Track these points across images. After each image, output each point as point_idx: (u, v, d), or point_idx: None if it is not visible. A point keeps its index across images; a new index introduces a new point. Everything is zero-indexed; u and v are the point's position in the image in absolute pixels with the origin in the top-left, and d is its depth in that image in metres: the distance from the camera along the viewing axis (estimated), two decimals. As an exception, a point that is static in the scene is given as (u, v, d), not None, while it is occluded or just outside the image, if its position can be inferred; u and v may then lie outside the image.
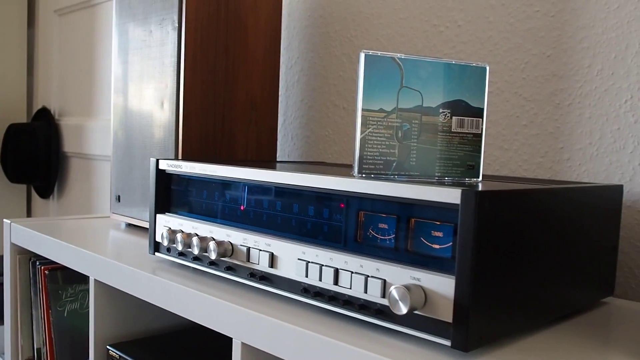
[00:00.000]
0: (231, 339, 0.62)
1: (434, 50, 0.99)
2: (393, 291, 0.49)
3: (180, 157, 0.95)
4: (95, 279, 0.84)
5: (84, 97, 1.97)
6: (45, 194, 2.11)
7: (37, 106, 2.22)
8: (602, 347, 0.53)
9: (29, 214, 2.31)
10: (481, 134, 0.62)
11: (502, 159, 0.90)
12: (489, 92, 0.92)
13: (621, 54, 0.79)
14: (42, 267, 1.02)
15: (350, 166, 0.89)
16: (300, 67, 1.23)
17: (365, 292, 0.53)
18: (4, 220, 1.10)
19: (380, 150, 0.58)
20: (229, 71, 1.01)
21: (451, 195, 0.48)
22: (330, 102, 1.17)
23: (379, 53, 0.58)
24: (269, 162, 0.95)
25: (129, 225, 1.10)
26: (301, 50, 1.23)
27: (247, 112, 1.04)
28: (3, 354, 1.44)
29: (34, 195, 2.23)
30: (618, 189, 0.70)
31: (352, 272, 0.55)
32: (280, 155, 1.26)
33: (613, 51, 0.80)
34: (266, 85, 1.07)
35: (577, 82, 0.83)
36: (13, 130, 2.03)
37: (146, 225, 1.01)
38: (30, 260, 1.07)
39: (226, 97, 1.01)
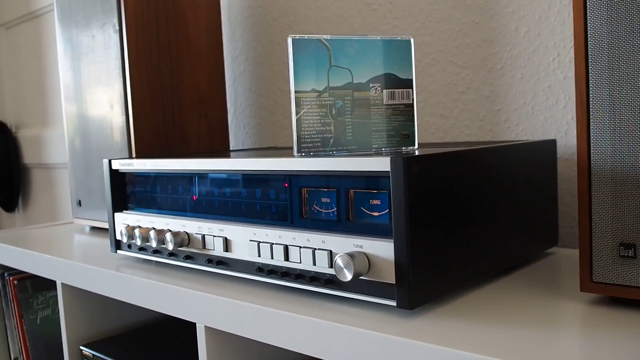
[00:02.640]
0: (195, 324, 0.65)
1: (370, 28, 1.02)
2: (338, 260, 0.52)
3: (134, 156, 0.97)
4: (62, 283, 0.86)
5: (38, 107, 1.96)
6: (9, 207, 2.10)
7: (-9, 121, 2.20)
8: (546, 295, 0.57)
9: (-5, 229, 2.30)
10: (412, 103, 0.65)
11: (445, 126, 0.94)
12: (426, 63, 0.95)
13: (545, 14, 0.83)
14: (11, 278, 1.03)
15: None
16: (245, 56, 1.25)
17: (314, 264, 0.56)
18: (-33, 236, 1.10)
19: (316, 128, 0.61)
20: (174, 67, 1.03)
21: (382, 164, 0.51)
22: (277, 88, 1.19)
23: (306, 36, 0.61)
24: (220, 152, 0.97)
25: (93, 228, 1.12)
26: (244, 40, 1.25)
27: (196, 106, 1.06)
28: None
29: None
30: (551, 143, 0.74)
31: (300, 247, 0.58)
32: (234, 144, 1.28)
33: (537, 12, 0.84)
34: (212, 78, 1.09)
35: (506, 45, 0.87)
36: (-31, 147, 2.02)
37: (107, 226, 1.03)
38: (-3, 273, 1.08)
39: (173, 93, 1.02)
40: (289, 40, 0.60)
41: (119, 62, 0.98)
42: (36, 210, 2.03)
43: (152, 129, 0.99)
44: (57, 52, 1.81)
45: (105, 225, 1.04)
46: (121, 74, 0.97)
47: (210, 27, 1.08)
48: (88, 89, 1.04)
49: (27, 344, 1.03)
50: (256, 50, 1.23)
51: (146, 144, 0.98)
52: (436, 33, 0.93)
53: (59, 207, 1.91)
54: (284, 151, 0.78)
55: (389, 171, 0.50)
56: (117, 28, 0.97)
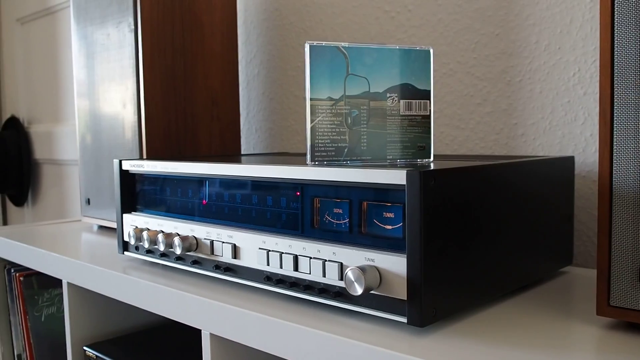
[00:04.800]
0: (201, 331, 0.64)
1: (387, 36, 1.01)
2: (348, 273, 0.51)
3: (144, 156, 0.96)
4: (67, 282, 0.85)
5: (51, 103, 1.96)
6: (19, 202, 2.10)
7: (5, 115, 2.21)
8: (560, 316, 0.56)
9: (4, 222, 2.30)
10: (429, 115, 0.64)
11: (460, 138, 0.93)
12: (442, 73, 0.94)
13: (566, 28, 0.82)
14: (17, 274, 1.03)
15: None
16: (259, 60, 1.24)
17: (324, 276, 0.55)
18: (-25, 231, 1.10)
19: (331, 137, 0.60)
20: (188, 69, 1.02)
21: (397, 177, 0.50)
22: (290, 93, 1.18)
23: (324, 43, 0.60)
24: (231, 156, 0.96)
25: (101, 227, 1.11)
26: (259, 44, 1.24)
27: (209, 108, 1.05)
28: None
29: (9, 203, 2.22)
30: (569, 160, 0.72)
31: (310, 258, 0.56)
32: (245, 149, 1.27)
33: (558, 26, 0.82)
34: (226, 81, 1.08)
35: (526, 58, 0.85)
36: (-19, 140, 2.02)
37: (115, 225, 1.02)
38: (5, 267, 1.07)
39: (186, 95, 1.02)
40: (307, 47, 0.59)
41: (133, 61, 0.97)
42: (45, 206, 2.03)
43: (164, 129, 0.98)
44: (71, 49, 1.81)
45: (113, 225, 1.03)
46: (135, 74, 0.97)
47: (225, 29, 1.08)
48: (101, 86, 1.04)
49: (31, 341, 1.02)
50: (271, 54, 1.22)
51: (157, 144, 0.98)
52: (454, 43, 0.92)
53: (67, 204, 1.91)
54: (297, 158, 0.77)
55: (404, 184, 0.49)
56: (132, 27, 0.96)
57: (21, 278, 1.02)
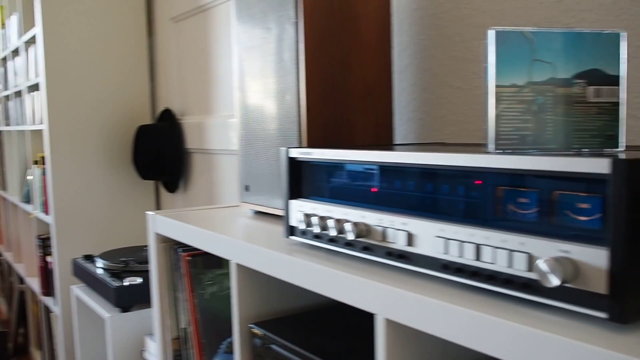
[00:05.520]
0: (373, 315, 0.65)
1: (553, 22, 0.97)
2: (541, 264, 0.49)
3: (305, 145, 0.99)
4: (236, 263, 0.90)
5: (202, 96, 2.07)
6: (172, 188, 2.24)
7: (160, 108, 2.36)
8: None
9: (157, 207, 2.46)
10: (620, 102, 0.60)
11: (637, 128, 0.87)
12: (617, 59, 0.89)
13: None
14: (184, 254, 1.09)
15: (473, 145, 0.89)
16: (411, 50, 1.24)
17: (510, 266, 0.54)
18: (147, 212, 1.18)
19: (515, 125, 0.58)
20: (344, 60, 1.04)
21: (599, 166, 0.48)
22: (443, 82, 1.17)
23: (508, 29, 0.58)
24: (391, 145, 0.96)
25: (257, 212, 1.16)
26: (411, 33, 1.23)
27: (364, 99, 1.06)
28: (152, 334, 1.55)
29: (162, 190, 2.38)
30: None
31: (494, 247, 0.56)
32: (396, 139, 1.28)
33: None
34: (380, 71, 1.08)
35: None
36: (141, 131, 2.17)
37: (274, 211, 1.06)
38: (172, 248, 1.15)
39: (343, 86, 1.03)
40: (491, 33, 0.58)
41: (293, 53, 1.00)
42: (195, 192, 2.15)
43: (322, 120, 1.01)
44: (223, 45, 1.90)
45: (270, 210, 1.07)
46: (295, 66, 1.00)
47: (380, 20, 1.08)
48: (261, 79, 1.08)
49: (197, 316, 1.09)
50: (423, 44, 1.21)
51: (316, 135, 1.00)
52: (632, 27, 0.87)
53: (216, 191, 2.01)
54: (466, 147, 0.76)
55: (607, 174, 0.47)
56: (293, 20, 0.99)
57: (188, 258, 1.09)
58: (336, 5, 1.02)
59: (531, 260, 0.53)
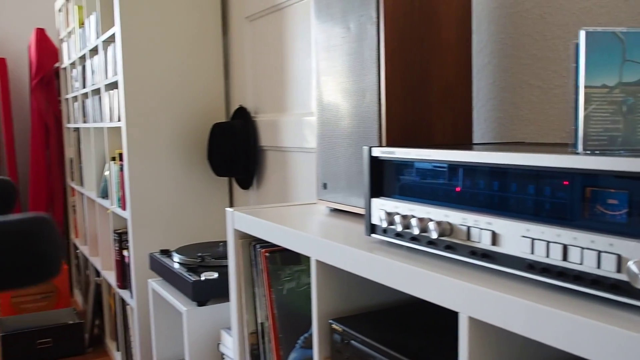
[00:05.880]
0: (455, 313, 0.66)
1: (638, 21, 0.95)
2: (632, 265, 0.49)
3: (384, 144, 1.00)
4: (316, 259, 0.92)
5: (276, 95, 2.11)
6: (245, 185, 2.30)
7: (234, 105, 2.42)
8: None
9: (231, 204, 2.53)
10: None
11: None
12: None
13: None
14: (263, 250, 1.13)
15: (555, 144, 0.88)
16: (490, 49, 1.23)
17: (598, 267, 0.54)
18: (227, 209, 1.23)
19: (604, 126, 0.58)
20: (424, 60, 1.04)
21: (693, 168, 0.47)
22: (523, 81, 1.16)
23: (599, 29, 0.58)
24: (472, 144, 0.97)
25: (333, 210, 1.18)
26: (490, 32, 1.23)
27: (443, 98, 1.07)
28: (228, 327, 1.60)
29: (235, 186, 2.44)
30: None
31: (582, 248, 0.56)
32: (474, 138, 1.27)
33: None
34: (460, 71, 1.09)
35: None
36: (216, 129, 2.24)
37: (351, 209, 1.08)
38: (250, 244, 1.19)
39: (422, 85, 1.04)
40: (582, 33, 0.58)
41: (374, 53, 1.01)
42: (268, 189, 2.20)
43: (402, 119, 1.02)
44: (297, 44, 1.93)
45: (348, 208, 1.09)
46: (376, 66, 1.01)
47: (460, 19, 1.08)
48: (340, 78, 1.10)
49: (274, 311, 1.12)
50: (503, 43, 1.20)
51: (395, 134, 1.01)
52: None
53: (289, 188, 2.05)
54: (549, 147, 0.76)
55: (703, 176, 0.46)
56: (375, 20, 1.01)
57: (266, 254, 1.12)
58: (417, 5, 1.03)
59: (620, 261, 0.52)
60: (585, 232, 0.56)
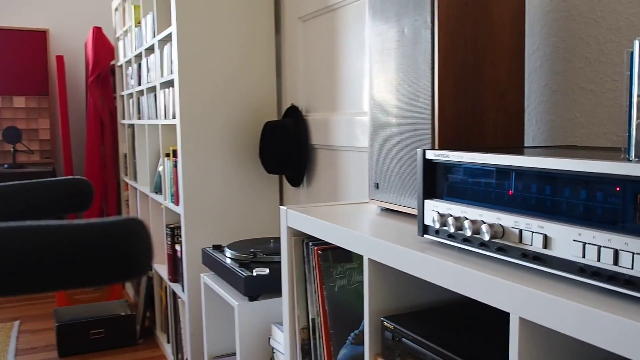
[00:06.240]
0: (506, 314, 0.68)
1: (698, 24, 0.94)
2: (683, 271, 0.51)
3: (436, 147, 1.03)
4: (368, 258, 0.95)
5: (327, 94, 2.15)
6: (296, 182, 2.34)
7: (286, 104, 2.47)
8: None
9: (281, 201, 2.58)
10: None
11: None
12: None
13: None
14: (315, 248, 1.16)
15: (607, 149, 0.89)
16: (542, 52, 1.24)
17: (649, 272, 0.56)
18: (281, 207, 1.27)
19: (658, 134, 0.60)
20: (477, 63, 1.06)
21: None
22: (576, 85, 1.16)
23: (655, 39, 0.59)
24: (523, 147, 0.98)
25: (385, 209, 1.21)
26: (543, 35, 1.23)
27: (495, 101, 1.08)
28: (279, 322, 1.65)
29: (286, 183, 2.49)
30: None
31: (633, 253, 0.57)
32: (525, 140, 1.28)
33: None
34: (512, 73, 1.10)
35: None
36: (268, 127, 2.29)
37: (403, 209, 1.11)
38: (303, 241, 1.22)
39: (475, 88, 1.06)
40: (636, 43, 0.60)
41: (428, 57, 1.04)
42: (318, 187, 2.24)
43: (454, 121, 1.04)
44: (349, 45, 1.96)
45: (399, 208, 1.12)
46: (429, 69, 1.03)
47: (514, 22, 1.10)
48: (394, 81, 1.13)
49: (326, 308, 1.15)
50: (555, 46, 1.21)
51: (448, 136, 1.03)
52: None
53: (339, 186, 2.09)
54: (602, 152, 0.77)
55: None
56: (429, 25, 1.03)
57: (319, 252, 1.16)
58: (471, 10, 1.05)
59: (673, 267, 0.54)
60: (636, 237, 0.57)
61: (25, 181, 0.80)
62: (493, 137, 1.08)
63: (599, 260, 0.61)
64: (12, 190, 0.79)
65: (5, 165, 4.55)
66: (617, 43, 1.08)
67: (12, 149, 4.62)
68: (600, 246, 0.61)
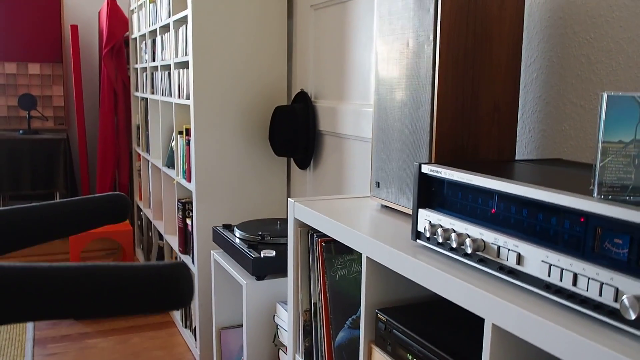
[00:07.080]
0: (482, 319, 0.78)
1: (678, 55, 1.03)
2: (625, 300, 0.61)
3: (434, 156, 1.12)
4: (367, 256, 1.06)
5: (335, 82, 2.23)
6: (303, 165, 2.44)
7: (295, 89, 2.56)
8: None
9: (288, 181, 2.68)
10: None
11: None
12: None
13: None
14: (319, 239, 1.27)
15: (588, 166, 0.99)
16: (538, 65, 1.32)
17: (600, 295, 0.66)
18: (289, 199, 1.37)
19: (617, 175, 0.69)
20: (475, 78, 1.15)
21: (679, 225, 0.58)
22: (567, 99, 1.25)
23: (620, 94, 0.68)
24: (513, 161, 1.08)
25: (384, 206, 1.31)
26: (540, 49, 1.32)
27: (490, 114, 1.17)
28: (283, 301, 1.77)
29: (293, 166, 2.59)
30: None
31: (589, 278, 0.67)
32: (517, 147, 1.37)
33: None
34: (508, 89, 1.19)
35: None
36: (278, 111, 2.38)
37: (401, 208, 1.21)
38: (308, 232, 1.33)
39: (472, 103, 1.15)
40: (604, 96, 0.69)
41: (429, 72, 1.13)
42: (324, 172, 2.34)
43: (451, 133, 1.13)
44: (358, 37, 2.03)
45: (398, 207, 1.22)
46: (431, 84, 1.12)
47: (512, 40, 1.18)
48: (398, 90, 1.22)
49: (327, 294, 1.27)
50: (551, 61, 1.29)
51: (445, 147, 1.13)
52: None
53: (344, 173, 2.19)
54: (580, 174, 0.87)
55: (686, 234, 0.57)
56: (431, 41, 1.12)
57: (322, 243, 1.27)
58: (472, 26, 1.13)
59: (618, 293, 0.64)
60: (592, 265, 0.67)
61: (73, 198, 0.91)
62: (487, 147, 1.18)
63: (561, 280, 0.71)
64: (64, 205, 0.90)
65: (21, 131, 4.66)
66: (607, 65, 1.17)
67: (27, 115, 4.72)
68: (563, 269, 0.71)
